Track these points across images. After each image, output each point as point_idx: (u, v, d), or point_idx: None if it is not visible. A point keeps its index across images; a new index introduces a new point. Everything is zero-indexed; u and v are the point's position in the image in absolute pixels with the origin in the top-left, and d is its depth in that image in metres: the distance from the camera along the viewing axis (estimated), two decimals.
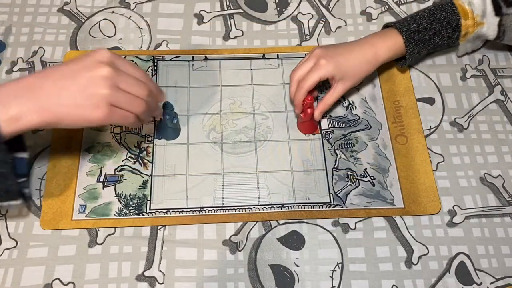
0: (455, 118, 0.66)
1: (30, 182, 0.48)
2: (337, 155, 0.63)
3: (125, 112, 0.47)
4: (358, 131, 0.64)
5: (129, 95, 0.47)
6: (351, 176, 0.61)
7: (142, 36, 0.71)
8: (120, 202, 0.59)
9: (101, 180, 0.60)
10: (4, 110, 0.43)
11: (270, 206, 0.59)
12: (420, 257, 0.57)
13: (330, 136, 0.64)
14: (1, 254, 0.56)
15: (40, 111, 0.43)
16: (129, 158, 0.61)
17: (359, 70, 0.60)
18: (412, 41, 0.61)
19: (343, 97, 0.67)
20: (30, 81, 0.44)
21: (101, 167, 0.61)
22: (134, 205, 0.59)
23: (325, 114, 0.65)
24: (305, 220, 0.59)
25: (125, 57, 0.67)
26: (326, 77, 0.59)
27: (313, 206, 0.59)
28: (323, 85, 0.66)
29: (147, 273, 0.55)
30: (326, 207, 0.59)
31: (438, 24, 0.61)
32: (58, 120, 0.44)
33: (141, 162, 0.61)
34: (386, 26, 0.64)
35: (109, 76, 0.45)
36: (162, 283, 0.55)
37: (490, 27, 0.62)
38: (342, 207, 0.59)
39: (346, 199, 0.60)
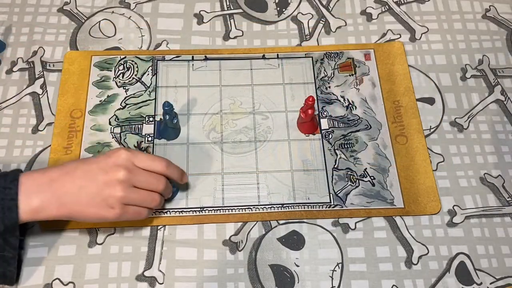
0: (455, 118, 0.66)
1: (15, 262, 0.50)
2: (337, 155, 0.63)
3: (138, 208, 0.50)
4: (358, 131, 0.64)
5: (144, 192, 0.50)
6: (351, 176, 0.61)
7: (142, 36, 0.71)
8: None
9: None
10: (27, 202, 0.46)
11: (270, 206, 0.59)
12: (420, 257, 0.57)
13: (330, 136, 0.64)
14: None
15: (59, 207, 0.47)
16: None
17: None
18: None
19: (343, 97, 0.67)
20: (52, 176, 0.48)
21: None
22: None
23: (325, 114, 0.65)
24: (305, 220, 0.59)
25: (125, 57, 0.68)
26: None
27: (313, 206, 0.59)
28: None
29: (147, 273, 0.55)
30: (326, 207, 0.59)
31: None
32: (74, 216, 0.48)
33: None
34: None
35: (125, 180, 0.48)
36: (162, 283, 0.55)
37: None
38: (342, 207, 0.59)
39: (346, 199, 0.60)
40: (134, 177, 0.49)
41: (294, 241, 0.58)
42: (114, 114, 0.64)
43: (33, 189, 0.47)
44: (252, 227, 0.58)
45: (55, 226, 0.57)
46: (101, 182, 0.48)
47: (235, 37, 0.71)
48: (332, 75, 0.68)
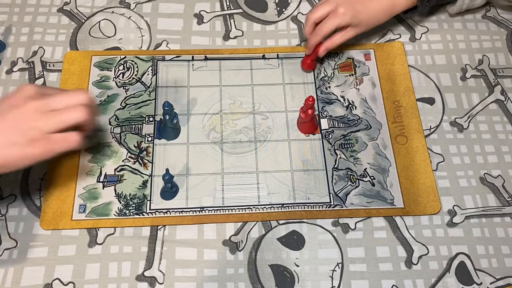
0: (455, 118, 0.66)
1: None
2: (337, 155, 0.63)
3: (65, 134, 0.44)
4: (358, 131, 0.64)
5: (64, 110, 0.44)
6: (351, 176, 0.61)
7: (142, 36, 0.71)
8: (120, 202, 0.59)
9: (101, 180, 0.60)
10: None
11: (270, 206, 0.59)
12: (420, 257, 0.57)
13: (330, 136, 0.64)
14: (1, 254, 0.56)
15: None
16: (129, 158, 0.61)
17: (374, 19, 0.62)
18: None
19: (343, 97, 0.67)
20: None
21: (101, 167, 0.61)
22: (134, 205, 0.59)
23: (325, 114, 0.65)
24: (305, 220, 0.59)
25: (125, 57, 0.68)
26: (342, 26, 0.61)
27: (313, 206, 0.59)
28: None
29: (147, 273, 0.55)
30: (326, 207, 0.59)
31: None
32: None
33: (141, 162, 0.61)
34: None
35: (39, 106, 0.43)
36: (162, 283, 0.55)
37: None
38: (342, 207, 0.59)
39: (346, 199, 0.60)
40: (48, 101, 0.43)
41: (294, 241, 0.58)
42: (114, 114, 0.64)
43: None
44: (252, 227, 0.58)
45: (55, 227, 0.57)
46: (12, 117, 0.42)
47: (235, 37, 0.71)
48: (332, 75, 0.68)
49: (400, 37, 0.72)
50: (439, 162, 0.63)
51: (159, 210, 0.58)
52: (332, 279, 0.56)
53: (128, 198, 0.59)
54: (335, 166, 0.62)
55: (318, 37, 0.61)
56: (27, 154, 0.42)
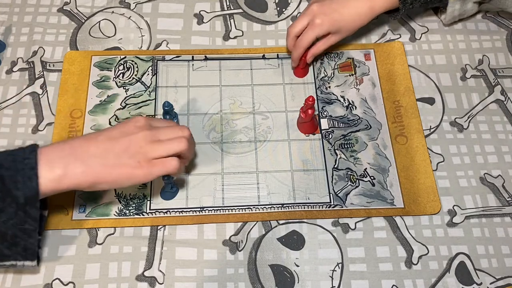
0: (455, 118, 0.66)
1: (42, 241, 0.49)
2: (337, 155, 0.63)
3: (165, 159, 0.49)
4: (358, 131, 0.64)
5: (168, 140, 0.49)
6: (351, 176, 0.61)
7: (142, 36, 0.71)
8: (120, 202, 0.59)
9: None
10: (50, 170, 0.45)
11: (270, 206, 0.59)
12: (420, 257, 0.57)
13: (330, 136, 0.64)
14: None
15: (85, 172, 0.46)
16: None
17: (353, 24, 0.63)
18: None
19: (343, 97, 0.67)
20: (74, 144, 0.47)
21: None
22: (134, 205, 0.59)
23: (325, 114, 0.65)
24: (305, 220, 0.59)
25: (125, 57, 0.68)
26: (321, 35, 0.62)
27: (313, 206, 0.59)
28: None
29: (147, 273, 0.55)
30: (326, 207, 0.59)
31: None
32: (101, 180, 0.47)
33: None
34: None
35: (148, 135, 0.48)
36: (162, 283, 0.55)
37: None
38: (342, 207, 0.59)
39: (346, 199, 0.60)
40: (156, 132, 0.49)
41: (294, 241, 0.58)
42: (114, 114, 0.64)
43: (55, 157, 0.46)
44: (252, 227, 0.58)
45: (55, 227, 0.57)
46: (127, 141, 0.48)
47: (235, 37, 0.71)
48: (332, 75, 0.68)
49: (400, 37, 0.72)
50: (439, 162, 0.63)
51: (159, 210, 0.58)
52: (332, 279, 0.56)
53: (128, 198, 0.59)
54: (335, 166, 0.62)
55: (300, 49, 0.62)
56: (133, 174, 0.47)
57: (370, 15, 0.63)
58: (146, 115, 0.64)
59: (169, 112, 0.59)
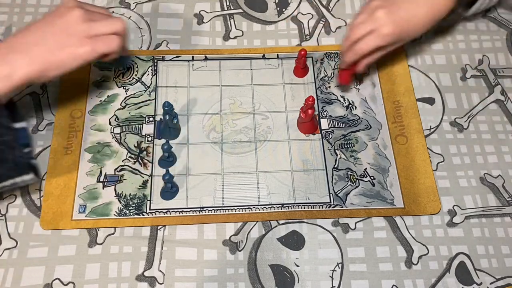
0: (455, 118, 0.66)
1: (34, 153, 0.50)
2: (337, 155, 0.63)
3: (107, 36, 0.50)
4: (358, 131, 0.64)
5: (104, 19, 0.51)
6: (351, 176, 0.61)
7: (142, 36, 0.71)
8: (120, 202, 0.59)
9: (101, 180, 0.60)
10: None
11: (270, 206, 0.59)
12: (420, 257, 0.57)
13: (330, 136, 0.64)
14: (1, 254, 0.56)
15: (31, 62, 0.46)
16: (129, 158, 0.61)
17: (419, 34, 0.59)
18: None
19: (343, 97, 0.67)
20: (10, 40, 0.48)
21: (101, 167, 0.61)
22: (134, 205, 0.59)
23: (325, 114, 0.65)
24: (305, 220, 0.59)
25: None
26: (382, 46, 0.58)
27: (313, 206, 0.59)
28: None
29: (147, 273, 0.55)
30: (326, 207, 0.59)
31: None
32: (48, 66, 0.48)
33: (141, 162, 0.61)
34: None
35: (82, 14, 0.49)
36: (162, 283, 0.55)
37: None
38: (342, 207, 0.59)
39: (346, 199, 0.60)
40: (89, 13, 0.51)
41: (294, 241, 0.58)
42: (114, 114, 0.64)
43: None
44: (252, 227, 0.58)
45: (55, 227, 0.57)
46: (62, 23, 0.48)
47: (235, 37, 0.71)
48: (332, 75, 0.68)
49: None
50: (439, 162, 0.63)
51: (159, 210, 0.58)
52: (332, 279, 0.56)
53: (128, 198, 0.59)
54: (335, 166, 0.62)
55: (356, 56, 0.58)
56: (77, 53, 0.48)
57: (433, 23, 0.59)
58: (146, 115, 0.64)
59: (169, 112, 0.59)
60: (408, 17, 0.56)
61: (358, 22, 0.57)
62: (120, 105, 0.65)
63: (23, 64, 0.46)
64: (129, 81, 0.66)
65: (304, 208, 0.59)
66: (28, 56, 0.47)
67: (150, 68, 0.68)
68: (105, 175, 0.60)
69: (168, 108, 0.59)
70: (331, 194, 0.60)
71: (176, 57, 0.69)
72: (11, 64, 0.46)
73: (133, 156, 0.62)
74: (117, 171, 0.60)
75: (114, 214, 0.58)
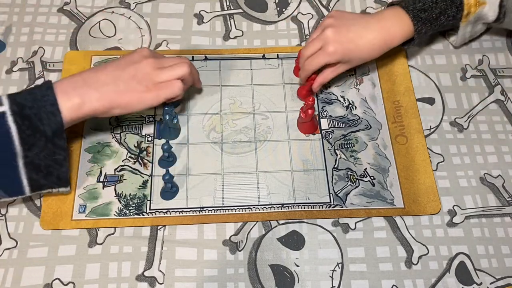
0: (455, 118, 0.66)
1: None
2: (337, 155, 0.63)
3: (170, 82, 0.55)
4: (358, 131, 0.64)
5: (171, 66, 0.55)
6: (351, 176, 0.61)
7: (142, 36, 0.71)
8: (120, 202, 0.59)
9: (101, 180, 0.60)
10: (67, 99, 0.50)
11: (270, 206, 0.59)
12: (420, 257, 0.57)
13: (330, 136, 0.64)
14: (1, 254, 0.56)
15: (100, 98, 0.51)
16: (129, 158, 0.61)
17: (366, 55, 0.61)
18: (419, 19, 0.59)
19: (343, 97, 0.67)
20: (84, 76, 0.52)
21: (101, 167, 0.61)
22: (134, 205, 0.59)
23: (325, 114, 0.65)
24: (305, 220, 0.59)
25: None
26: (332, 63, 0.60)
27: (313, 206, 0.59)
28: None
29: (147, 273, 0.55)
30: (326, 207, 0.59)
31: (443, 2, 0.60)
32: (115, 105, 0.53)
33: (141, 162, 0.61)
34: (390, 4, 0.63)
35: (153, 64, 0.54)
36: (162, 283, 0.55)
37: (491, 8, 0.61)
38: (342, 207, 0.59)
39: (346, 199, 0.60)
40: (160, 60, 0.55)
41: (294, 241, 0.58)
42: None
43: (70, 89, 0.51)
44: (252, 227, 0.58)
45: (55, 227, 0.57)
46: (134, 69, 0.53)
47: (235, 37, 0.71)
48: None
49: None
50: (439, 162, 0.63)
51: (159, 210, 0.58)
52: (332, 279, 0.56)
53: (128, 198, 0.59)
54: (335, 166, 0.62)
55: (307, 72, 0.61)
56: (143, 98, 0.53)
57: (384, 49, 0.60)
58: (146, 115, 0.64)
59: (169, 112, 0.59)
60: (356, 38, 0.58)
61: (310, 39, 0.61)
62: None
63: (93, 99, 0.51)
64: None
65: (304, 208, 0.59)
66: (98, 93, 0.51)
67: None
68: (105, 175, 0.60)
69: (168, 108, 0.59)
70: (331, 194, 0.60)
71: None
72: (83, 96, 0.51)
73: (133, 156, 0.62)
74: (117, 171, 0.61)
75: (114, 214, 0.58)
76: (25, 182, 0.52)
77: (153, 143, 0.63)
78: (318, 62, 0.59)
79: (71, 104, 0.50)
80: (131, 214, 0.58)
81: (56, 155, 0.52)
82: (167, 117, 0.59)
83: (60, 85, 0.51)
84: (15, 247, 0.56)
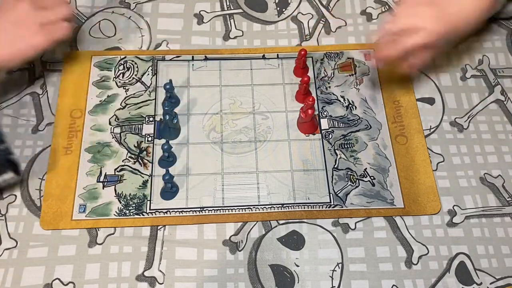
0: (455, 118, 0.66)
1: (11, 149, 0.52)
2: (337, 155, 0.63)
3: (58, 25, 0.54)
4: (358, 131, 0.64)
5: (51, 6, 0.54)
6: (351, 176, 0.61)
7: (142, 36, 0.71)
8: (120, 202, 0.59)
9: (101, 180, 0.60)
10: None
11: (270, 206, 0.59)
12: (420, 257, 0.57)
13: (330, 136, 0.64)
14: (1, 254, 0.56)
15: None
16: (129, 158, 0.61)
17: (466, 31, 0.54)
18: None
19: (343, 97, 0.67)
20: None
21: (101, 167, 0.61)
22: (134, 205, 0.59)
23: (325, 114, 0.65)
24: (305, 220, 0.59)
25: (125, 57, 0.68)
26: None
27: (313, 206, 0.59)
28: None
29: (147, 273, 0.55)
30: (326, 207, 0.59)
31: None
32: (11, 56, 0.52)
33: (141, 162, 0.61)
34: None
35: (31, 6, 0.53)
36: (162, 283, 0.55)
37: None
38: (342, 207, 0.59)
39: (346, 199, 0.60)
40: (37, 2, 0.53)
41: (294, 241, 0.58)
42: (114, 114, 0.64)
43: None
44: (252, 227, 0.58)
45: (55, 227, 0.57)
46: (11, 15, 0.52)
47: (235, 37, 0.71)
48: (332, 75, 0.68)
49: None
50: (439, 162, 0.63)
51: (159, 210, 0.58)
52: (332, 279, 0.56)
53: (128, 198, 0.59)
54: (335, 166, 0.62)
55: (396, 51, 0.54)
56: (34, 43, 0.53)
57: (480, 20, 0.54)
58: (146, 115, 0.64)
59: (169, 112, 0.59)
60: (457, 12, 0.52)
61: (402, 13, 0.53)
62: (120, 105, 0.65)
63: None
64: (129, 81, 0.66)
65: (304, 208, 0.59)
66: None
67: (150, 68, 0.67)
68: (105, 175, 0.60)
69: (168, 108, 0.59)
70: (331, 194, 0.60)
71: (176, 57, 0.69)
72: None
73: (133, 156, 0.62)
74: (117, 171, 0.60)
75: (114, 214, 0.58)
76: None
77: (153, 143, 0.63)
78: (418, 41, 0.52)
79: None
80: (131, 214, 0.58)
81: None
82: (167, 117, 0.59)
83: None
84: (15, 247, 0.56)
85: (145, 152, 0.62)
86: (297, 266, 0.56)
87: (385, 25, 0.55)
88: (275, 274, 0.56)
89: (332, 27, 0.73)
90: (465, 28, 0.54)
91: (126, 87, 0.66)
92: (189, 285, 0.55)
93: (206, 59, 0.69)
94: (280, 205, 0.59)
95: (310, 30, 0.72)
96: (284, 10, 0.74)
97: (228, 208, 0.59)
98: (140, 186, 0.60)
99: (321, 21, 0.73)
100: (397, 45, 0.54)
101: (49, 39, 0.54)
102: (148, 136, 0.63)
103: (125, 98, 0.65)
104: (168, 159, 0.60)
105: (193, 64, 0.68)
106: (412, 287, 0.56)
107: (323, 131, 0.64)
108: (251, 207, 0.59)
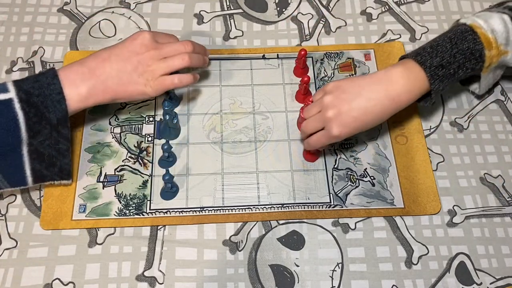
0: (455, 118, 0.66)
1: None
2: (337, 155, 0.63)
3: (169, 76, 0.56)
4: None
5: (171, 57, 0.56)
6: (351, 176, 0.61)
7: None
8: (120, 202, 0.59)
9: (101, 180, 0.60)
10: (75, 90, 0.52)
11: (270, 206, 0.59)
12: (420, 257, 0.57)
13: None
14: (1, 254, 0.56)
15: (105, 91, 0.54)
16: (129, 158, 0.61)
17: (373, 126, 0.54)
18: (437, 78, 0.53)
19: None
20: (90, 66, 0.54)
21: (101, 167, 0.61)
22: (134, 205, 0.59)
23: None
24: (305, 220, 0.59)
25: None
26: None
27: (313, 206, 0.59)
28: None
29: (147, 273, 0.55)
30: (326, 207, 0.59)
31: (462, 56, 0.54)
32: (118, 96, 0.55)
33: (141, 162, 0.61)
34: (402, 58, 0.57)
35: (154, 54, 0.56)
36: (162, 283, 0.55)
37: None
38: (342, 207, 0.59)
39: (346, 199, 0.60)
40: (161, 51, 0.56)
41: (294, 241, 0.58)
42: (114, 114, 0.64)
43: (78, 80, 0.52)
44: (252, 227, 0.58)
45: (55, 227, 0.57)
46: (135, 62, 0.55)
47: (235, 37, 0.71)
48: (332, 75, 0.68)
49: (400, 37, 0.72)
50: (439, 162, 0.63)
51: (159, 210, 0.58)
52: (332, 279, 0.56)
53: (128, 198, 0.59)
54: (335, 166, 0.62)
55: (310, 148, 0.58)
56: (144, 91, 0.56)
57: (394, 112, 0.54)
58: (146, 115, 0.64)
59: (169, 112, 0.59)
60: (360, 116, 0.52)
61: (310, 114, 0.55)
62: (120, 105, 0.65)
63: (99, 91, 0.53)
64: None
65: (304, 208, 0.59)
66: (104, 86, 0.53)
67: None
68: (105, 175, 0.60)
69: (168, 108, 0.59)
70: (331, 194, 0.60)
71: None
72: (90, 89, 0.53)
73: (133, 156, 0.62)
74: (117, 171, 0.61)
75: (114, 214, 0.58)
76: (28, 172, 0.53)
77: (153, 143, 0.63)
78: (323, 142, 0.55)
79: (78, 95, 0.52)
80: (131, 214, 0.58)
81: (60, 144, 0.53)
82: (167, 117, 0.59)
83: (68, 74, 0.52)
84: (15, 247, 0.56)
85: (145, 152, 0.62)
86: (297, 266, 0.56)
87: (299, 120, 0.60)
88: (275, 274, 0.56)
89: (332, 27, 0.73)
90: (375, 124, 0.54)
91: None
92: (189, 285, 0.55)
93: None
94: (280, 205, 0.59)
95: (310, 30, 0.72)
96: (284, 10, 0.74)
97: (228, 208, 0.59)
98: (140, 186, 0.60)
99: (321, 21, 0.73)
100: (309, 144, 0.57)
101: (158, 90, 0.56)
102: (148, 136, 0.63)
103: None
104: (168, 159, 0.60)
105: None
106: (412, 287, 0.56)
107: None
108: (251, 207, 0.59)
